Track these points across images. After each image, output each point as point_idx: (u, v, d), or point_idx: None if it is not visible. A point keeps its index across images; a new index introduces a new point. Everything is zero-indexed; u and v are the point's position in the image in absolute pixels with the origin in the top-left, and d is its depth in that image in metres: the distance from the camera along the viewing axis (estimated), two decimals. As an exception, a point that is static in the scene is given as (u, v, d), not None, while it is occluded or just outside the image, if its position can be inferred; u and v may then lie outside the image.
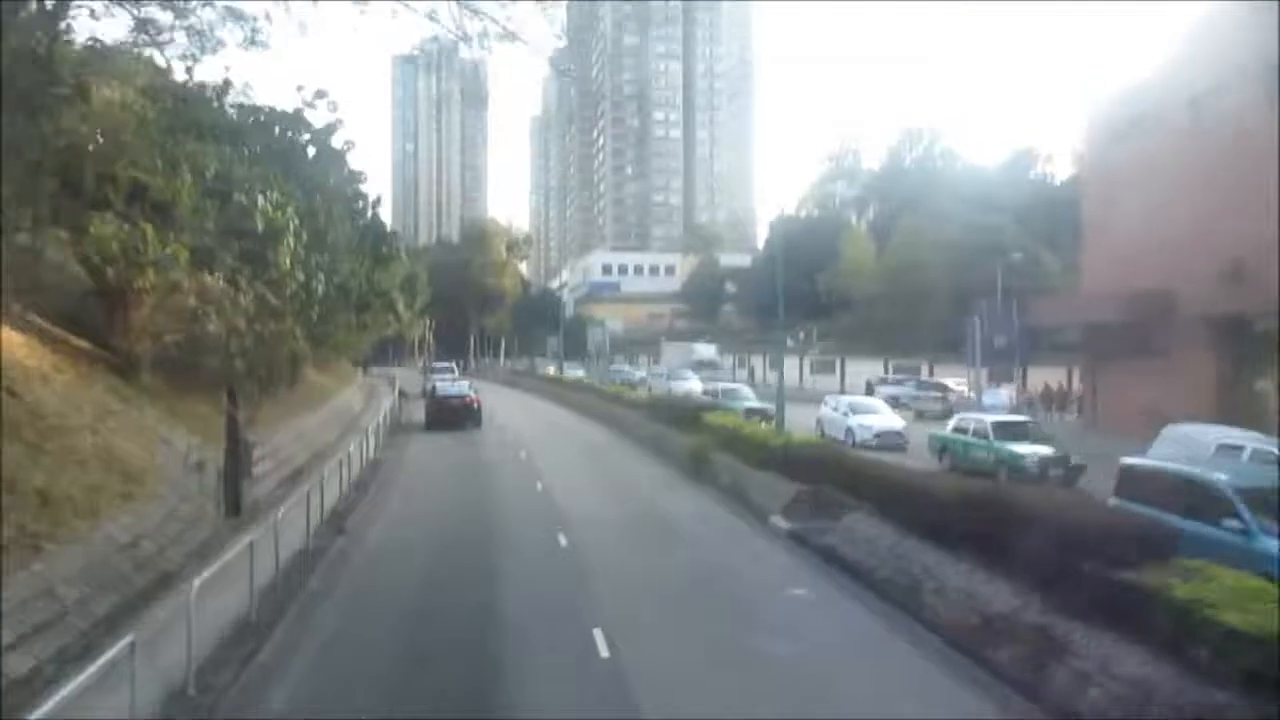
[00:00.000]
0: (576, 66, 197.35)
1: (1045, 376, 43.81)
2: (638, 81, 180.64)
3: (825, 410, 33.06)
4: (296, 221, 24.70)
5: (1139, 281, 30.18)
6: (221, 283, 19.97)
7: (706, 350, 65.44)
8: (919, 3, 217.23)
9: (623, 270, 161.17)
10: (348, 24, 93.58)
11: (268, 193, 23.97)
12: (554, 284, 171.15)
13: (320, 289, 25.38)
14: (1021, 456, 22.12)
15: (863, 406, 32.87)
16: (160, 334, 19.63)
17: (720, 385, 42.08)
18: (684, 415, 29.00)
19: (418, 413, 43.98)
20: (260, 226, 23.04)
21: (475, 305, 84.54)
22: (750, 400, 36.93)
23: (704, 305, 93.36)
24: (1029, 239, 57.94)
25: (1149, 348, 29.40)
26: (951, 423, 26.13)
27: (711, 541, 17.59)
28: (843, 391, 52.02)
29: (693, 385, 46.63)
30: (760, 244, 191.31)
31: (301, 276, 24.53)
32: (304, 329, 24.52)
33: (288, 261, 24.10)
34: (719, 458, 23.94)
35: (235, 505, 17.11)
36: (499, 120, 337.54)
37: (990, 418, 25.05)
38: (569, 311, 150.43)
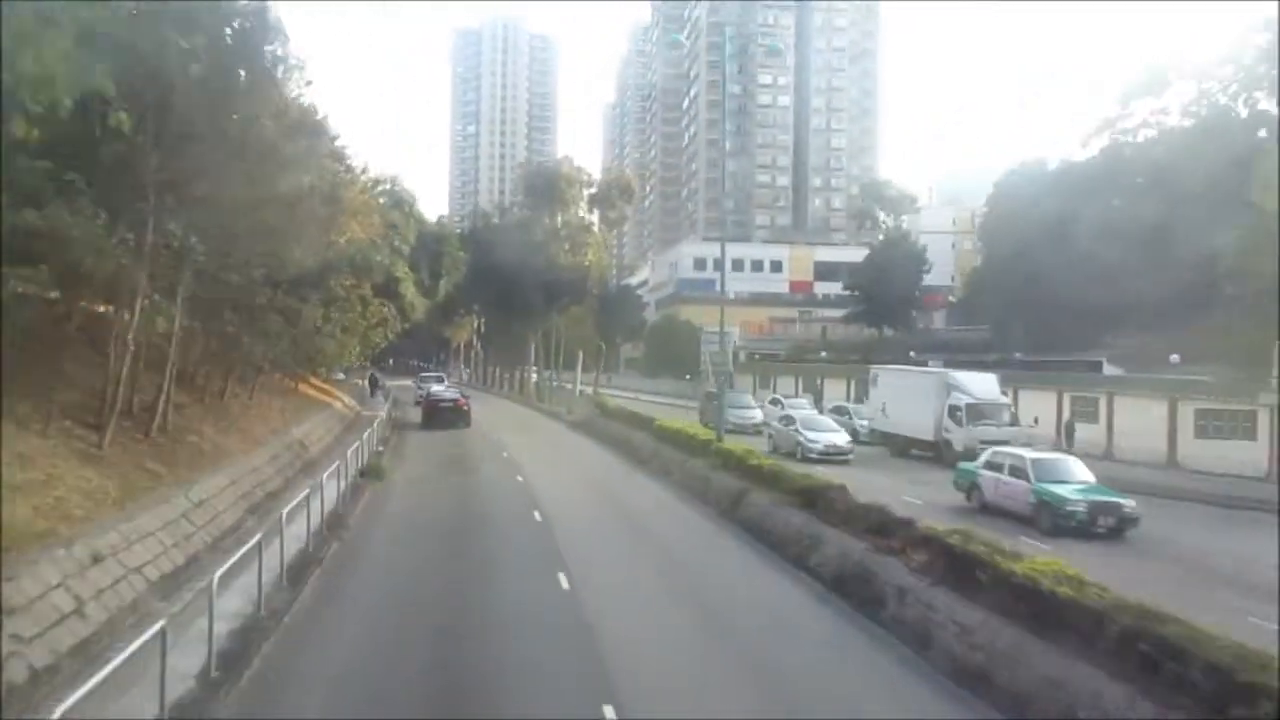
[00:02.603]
0: (665, 23, 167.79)
1: None
2: (741, 38, 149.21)
3: None
4: None
5: None
6: None
7: (982, 385, 33.50)
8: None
9: (719, 265, 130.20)
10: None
11: None
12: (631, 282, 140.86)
13: None
14: None
15: None
16: None
17: None
18: None
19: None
20: None
21: (540, 294, 53.07)
22: None
23: (886, 305, 59.81)
24: None
25: None
26: None
27: None
28: None
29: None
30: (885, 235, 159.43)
31: None
32: None
33: None
34: None
35: None
36: (569, 103, 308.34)
37: None
38: (650, 316, 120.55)
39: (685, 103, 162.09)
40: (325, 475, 19.70)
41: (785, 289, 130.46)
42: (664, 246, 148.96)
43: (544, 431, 42.58)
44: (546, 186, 54.37)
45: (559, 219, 52.84)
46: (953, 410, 32.89)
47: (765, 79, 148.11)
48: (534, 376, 63.63)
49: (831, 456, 31.76)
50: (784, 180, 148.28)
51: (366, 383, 64.93)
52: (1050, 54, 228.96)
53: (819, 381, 56.69)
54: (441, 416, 40.77)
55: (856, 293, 61.64)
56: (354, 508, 21.22)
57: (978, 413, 32.37)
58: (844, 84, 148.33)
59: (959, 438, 32.22)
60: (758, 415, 42.28)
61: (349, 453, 24.12)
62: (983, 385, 33.50)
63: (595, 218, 51.76)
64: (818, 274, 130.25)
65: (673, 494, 24.96)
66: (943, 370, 34.59)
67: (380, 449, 32.90)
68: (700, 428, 31.54)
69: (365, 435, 29.57)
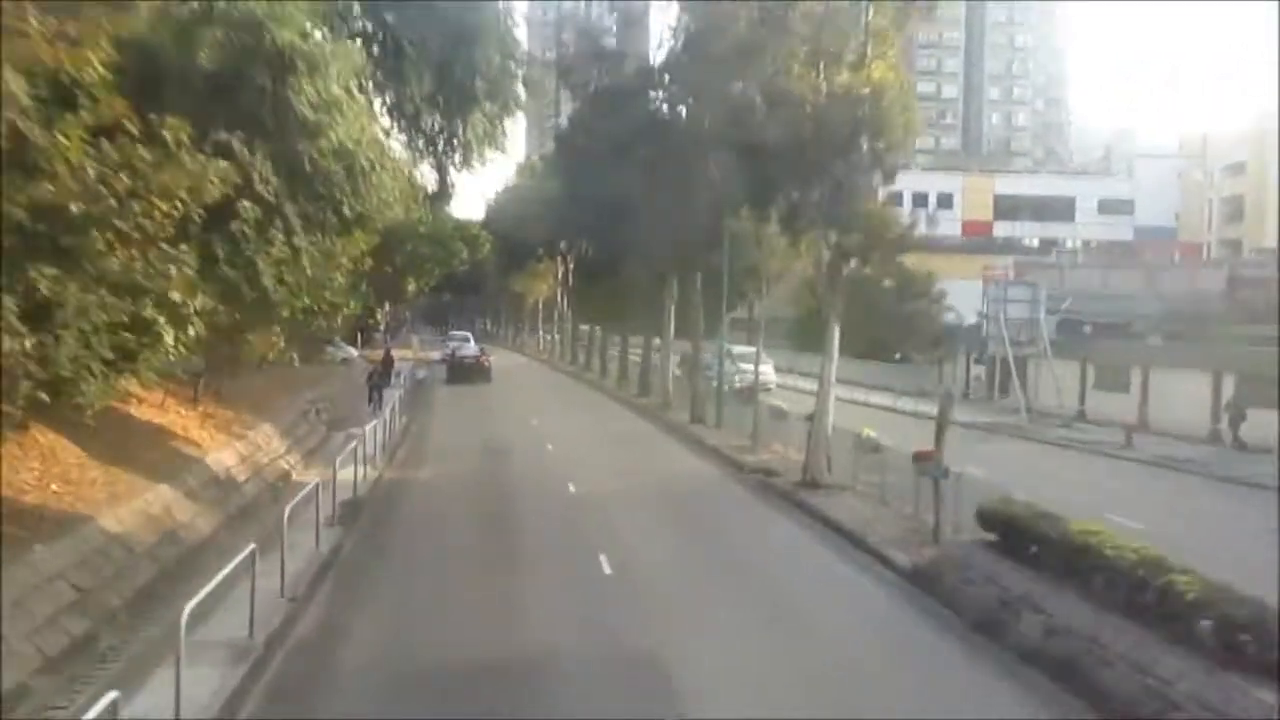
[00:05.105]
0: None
1: None
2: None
3: None
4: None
5: None
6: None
7: None
8: None
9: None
10: None
11: None
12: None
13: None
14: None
15: None
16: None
17: None
18: None
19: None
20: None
21: (737, 171, 21.38)
22: None
23: None
24: None
25: None
26: None
27: None
28: None
29: None
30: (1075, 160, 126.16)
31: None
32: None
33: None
34: None
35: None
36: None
37: None
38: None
39: None
40: None
41: (956, 230, 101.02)
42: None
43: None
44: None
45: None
46: None
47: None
48: (674, 364, 34.29)
49: None
50: (951, 90, 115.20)
51: (378, 368, 36.92)
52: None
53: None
54: (463, 372, 47.18)
55: None
56: None
57: None
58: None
59: None
60: None
61: None
62: None
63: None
64: (998, 211, 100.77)
65: None
66: None
67: None
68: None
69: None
